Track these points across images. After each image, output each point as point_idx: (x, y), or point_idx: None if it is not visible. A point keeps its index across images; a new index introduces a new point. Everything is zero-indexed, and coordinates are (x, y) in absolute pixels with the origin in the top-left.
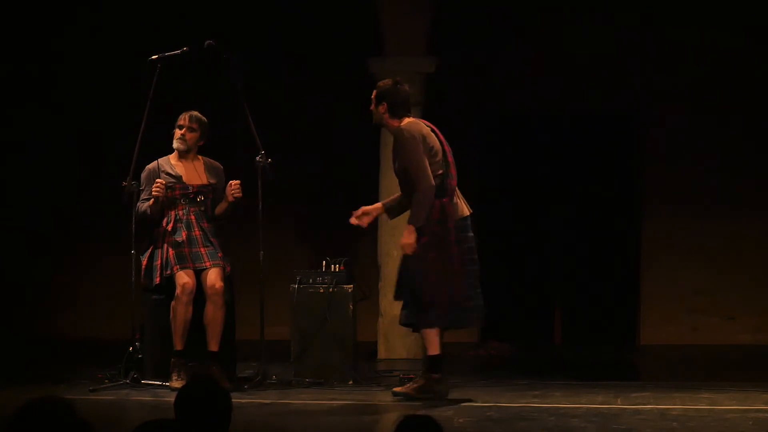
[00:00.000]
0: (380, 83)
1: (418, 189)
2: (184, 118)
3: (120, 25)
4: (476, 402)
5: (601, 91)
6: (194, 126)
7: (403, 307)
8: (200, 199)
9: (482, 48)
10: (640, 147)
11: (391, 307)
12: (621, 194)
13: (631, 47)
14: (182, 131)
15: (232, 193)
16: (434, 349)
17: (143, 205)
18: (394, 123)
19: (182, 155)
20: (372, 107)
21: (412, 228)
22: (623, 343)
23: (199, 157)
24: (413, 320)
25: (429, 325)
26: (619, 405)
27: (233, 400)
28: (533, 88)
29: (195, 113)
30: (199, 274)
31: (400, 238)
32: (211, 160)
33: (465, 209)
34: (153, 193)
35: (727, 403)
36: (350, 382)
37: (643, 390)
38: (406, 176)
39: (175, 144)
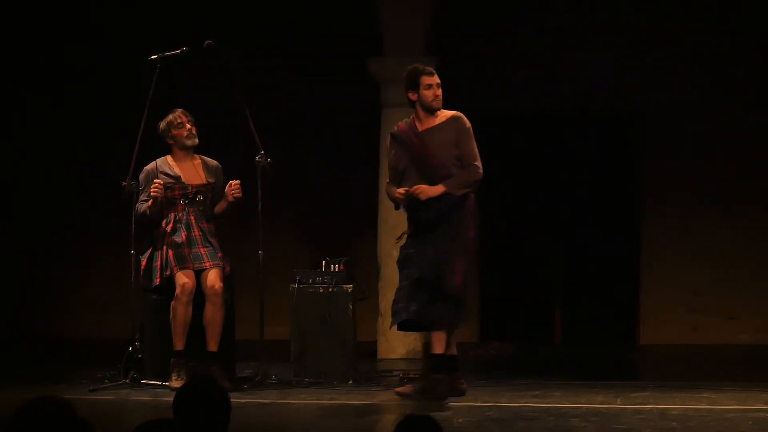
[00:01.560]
0: None
1: (471, 171)
2: (181, 117)
3: (120, 25)
4: (476, 402)
5: (601, 91)
6: (192, 118)
7: (414, 304)
8: (199, 198)
9: (482, 48)
10: (640, 147)
11: (390, 308)
12: (621, 194)
13: (632, 46)
14: (189, 126)
15: (232, 193)
16: (440, 348)
17: (142, 206)
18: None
19: (182, 155)
20: (440, 91)
21: (443, 188)
22: (623, 343)
23: (197, 156)
24: (433, 317)
25: (452, 324)
26: (618, 405)
27: (233, 400)
28: (533, 87)
29: (182, 109)
30: (198, 274)
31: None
32: (209, 159)
33: None
34: (151, 193)
35: (727, 403)
36: (350, 382)
37: (643, 390)
38: (437, 161)
39: (189, 142)
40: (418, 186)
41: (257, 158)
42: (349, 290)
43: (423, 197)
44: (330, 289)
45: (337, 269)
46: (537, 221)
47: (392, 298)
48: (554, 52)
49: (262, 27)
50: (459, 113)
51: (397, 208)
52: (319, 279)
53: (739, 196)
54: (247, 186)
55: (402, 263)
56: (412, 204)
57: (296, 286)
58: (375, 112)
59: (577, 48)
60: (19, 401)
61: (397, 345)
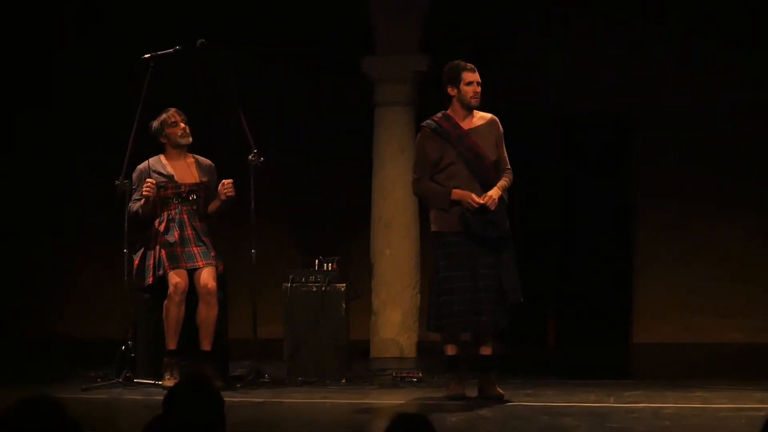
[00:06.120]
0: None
1: (510, 176)
2: (175, 116)
3: (116, 23)
4: (469, 401)
5: (594, 93)
6: (185, 117)
7: (485, 315)
8: (192, 198)
9: (475, 48)
10: (633, 147)
11: (383, 306)
12: (614, 194)
13: (626, 49)
14: (183, 126)
15: (225, 192)
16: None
17: (135, 206)
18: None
19: (175, 154)
20: (479, 89)
21: (499, 192)
22: (616, 342)
23: (190, 155)
24: (500, 326)
25: (506, 330)
26: (612, 403)
27: (226, 399)
28: (526, 88)
29: (175, 108)
30: (191, 273)
31: (392, 237)
32: (202, 158)
33: None
34: (143, 192)
35: (720, 402)
36: (343, 381)
37: (636, 388)
38: (490, 161)
39: (183, 141)
40: (489, 195)
41: (250, 157)
42: (342, 289)
43: (494, 206)
44: (323, 288)
45: (330, 268)
46: (529, 222)
47: (409, 299)
48: (548, 52)
49: (255, 27)
50: (495, 116)
51: (444, 209)
52: (312, 278)
53: (730, 197)
54: (240, 185)
55: (449, 265)
56: (476, 211)
57: (289, 285)
58: (368, 111)
59: (571, 49)
60: (11, 400)
61: (390, 344)
